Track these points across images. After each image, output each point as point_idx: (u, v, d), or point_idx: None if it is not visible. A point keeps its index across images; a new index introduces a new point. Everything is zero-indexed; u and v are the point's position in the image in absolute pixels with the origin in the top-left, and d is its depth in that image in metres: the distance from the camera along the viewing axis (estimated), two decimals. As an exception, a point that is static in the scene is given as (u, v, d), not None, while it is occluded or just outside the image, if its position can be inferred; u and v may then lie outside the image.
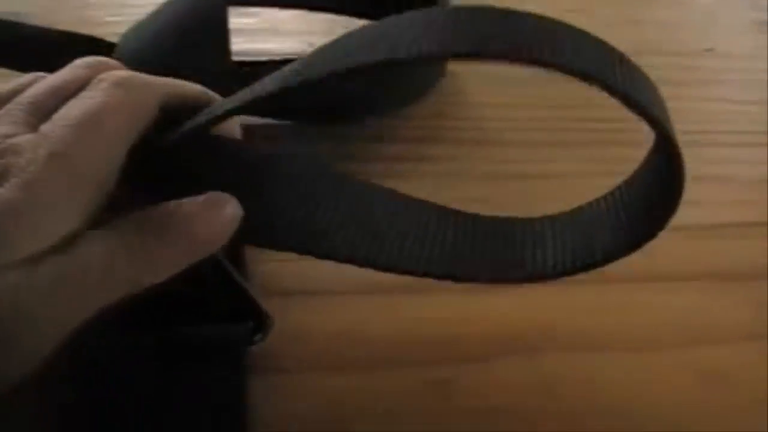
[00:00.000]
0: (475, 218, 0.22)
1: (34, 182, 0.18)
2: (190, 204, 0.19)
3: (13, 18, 0.30)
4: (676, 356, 0.21)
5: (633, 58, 0.26)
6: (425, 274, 0.20)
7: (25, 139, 0.19)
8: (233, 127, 0.22)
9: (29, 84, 0.22)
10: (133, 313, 0.19)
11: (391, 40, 0.17)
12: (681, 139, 0.17)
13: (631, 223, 0.20)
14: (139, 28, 0.31)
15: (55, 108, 0.20)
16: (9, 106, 0.21)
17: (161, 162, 0.21)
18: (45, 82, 0.22)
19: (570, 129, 0.31)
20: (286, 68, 0.19)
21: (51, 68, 0.23)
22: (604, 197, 0.21)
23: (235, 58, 0.29)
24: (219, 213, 0.20)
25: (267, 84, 0.19)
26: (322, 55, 0.18)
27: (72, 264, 0.17)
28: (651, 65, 0.34)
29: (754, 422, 0.20)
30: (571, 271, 0.20)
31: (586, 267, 0.20)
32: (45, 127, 0.19)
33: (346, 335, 0.22)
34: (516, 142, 0.30)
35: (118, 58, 0.24)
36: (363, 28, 0.18)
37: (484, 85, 0.33)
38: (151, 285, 0.18)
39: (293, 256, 0.19)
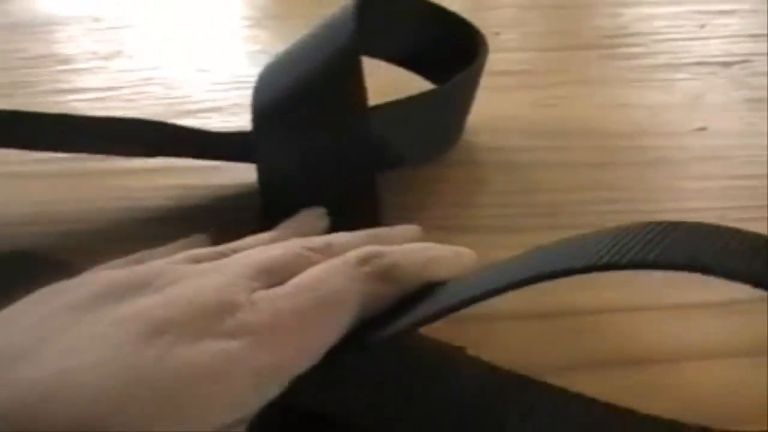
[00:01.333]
0: None
1: (265, 345, 0.17)
2: None
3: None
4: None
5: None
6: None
7: (262, 297, 0.18)
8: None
9: (252, 243, 0.21)
10: None
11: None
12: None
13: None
14: (274, 75, 0.31)
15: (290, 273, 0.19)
16: (245, 262, 0.20)
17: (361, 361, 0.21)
18: (281, 246, 0.21)
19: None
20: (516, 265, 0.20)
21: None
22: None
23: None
24: None
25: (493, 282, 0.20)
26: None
27: None
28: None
29: None
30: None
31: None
32: (280, 291, 0.19)
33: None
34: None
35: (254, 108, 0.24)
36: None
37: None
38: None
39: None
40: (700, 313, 0.27)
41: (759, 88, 0.42)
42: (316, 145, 0.29)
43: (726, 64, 0.44)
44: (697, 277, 0.18)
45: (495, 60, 0.45)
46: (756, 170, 0.33)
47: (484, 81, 0.44)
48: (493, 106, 0.41)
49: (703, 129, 0.38)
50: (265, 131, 0.30)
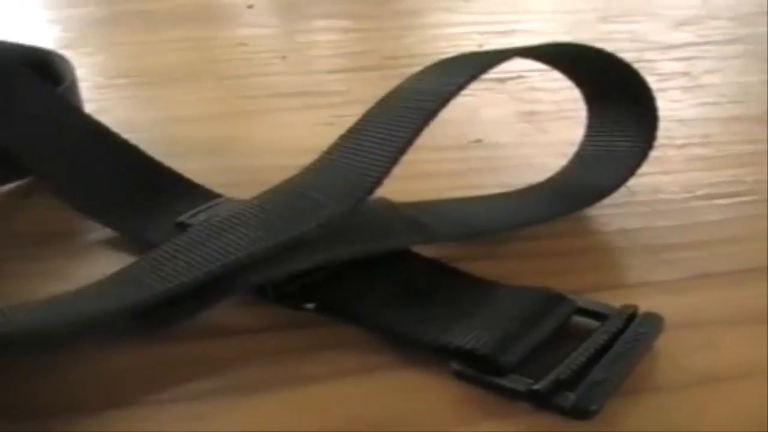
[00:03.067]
0: None
1: None
2: None
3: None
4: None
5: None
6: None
7: None
8: None
9: None
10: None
11: None
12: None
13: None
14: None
15: None
16: None
17: None
18: None
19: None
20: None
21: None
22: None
23: None
24: None
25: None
26: None
27: None
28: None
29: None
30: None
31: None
32: None
33: None
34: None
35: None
36: None
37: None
38: None
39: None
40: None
41: (533, 102, 0.44)
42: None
43: (501, 80, 0.45)
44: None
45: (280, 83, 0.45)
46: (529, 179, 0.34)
47: (268, 103, 0.43)
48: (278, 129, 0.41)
49: (478, 141, 0.39)
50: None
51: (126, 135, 0.34)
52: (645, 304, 0.25)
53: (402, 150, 0.26)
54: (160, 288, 0.24)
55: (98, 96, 0.42)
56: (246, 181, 0.33)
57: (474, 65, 0.28)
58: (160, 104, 0.45)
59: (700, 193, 0.33)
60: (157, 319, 0.24)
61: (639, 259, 0.29)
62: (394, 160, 0.26)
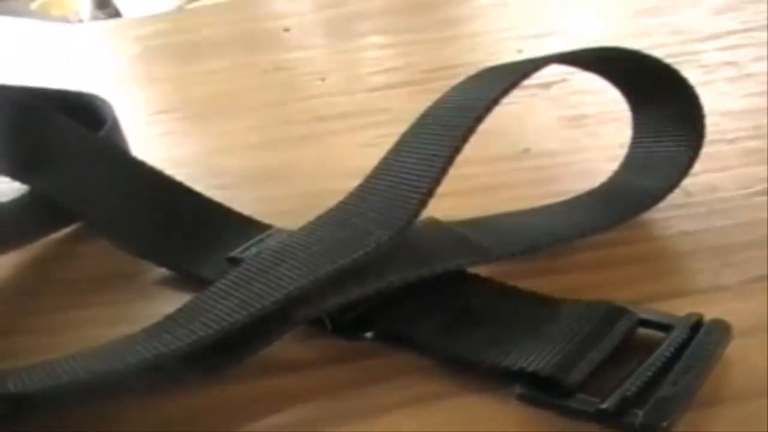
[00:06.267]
0: None
1: None
2: None
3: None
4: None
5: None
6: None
7: None
8: None
9: None
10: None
11: None
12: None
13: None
14: None
15: None
16: None
17: None
18: None
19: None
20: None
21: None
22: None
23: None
24: None
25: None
26: None
27: None
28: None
29: None
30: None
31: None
32: None
33: None
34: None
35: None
36: None
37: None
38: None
39: None
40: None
41: (579, 105, 0.43)
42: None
43: (545, 86, 0.45)
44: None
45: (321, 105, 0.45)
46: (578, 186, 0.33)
47: (311, 128, 0.43)
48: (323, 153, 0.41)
49: (527, 150, 0.38)
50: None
51: (171, 171, 0.34)
52: (711, 310, 0.24)
53: (444, 169, 0.26)
54: (214, 328, 0.24)
55: (140, 134, 0.42)
56: (294, 209, 0.33)
57: (507, 77, 0.28)
58: (202, 137, 0.45)
59: (758, 188, 0.32)
60: (213, 364, 0.24)
61: (702, 263, 0.28)
62: (436, 180, 0.26)
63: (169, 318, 0.25)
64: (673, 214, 0.31)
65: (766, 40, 0.48)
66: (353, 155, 0.40)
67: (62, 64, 0.61)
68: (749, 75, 0.44)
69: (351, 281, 0.25)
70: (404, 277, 0.26)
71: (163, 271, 0.31)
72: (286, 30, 0.63)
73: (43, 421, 0.23)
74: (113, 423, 0.24)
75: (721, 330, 0.23)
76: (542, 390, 0.22)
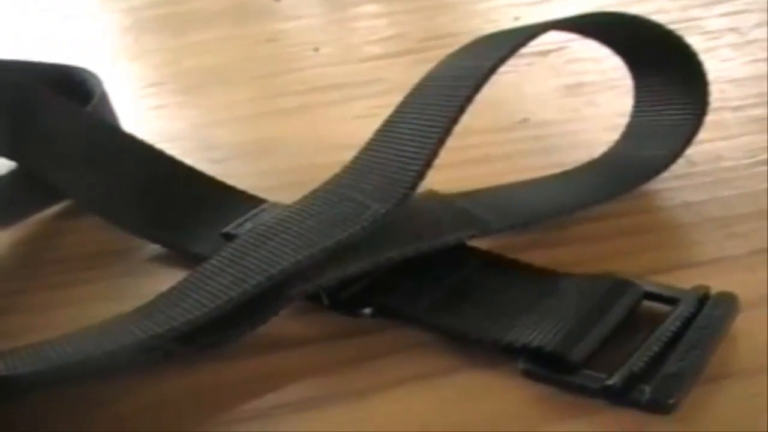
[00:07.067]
0: None
1: None
2: None
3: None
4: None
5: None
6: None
7: None
8: None
9: None
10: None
11: None
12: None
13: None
14: None
15: None
16: None
17: None
18: None
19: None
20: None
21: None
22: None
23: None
24: None
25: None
26: None
27: None
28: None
29: None
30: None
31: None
32: None
33: None
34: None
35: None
36: None
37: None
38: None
39: None
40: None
41: (578, 73, 0.42)
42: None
43: (543, 53, 0.44)
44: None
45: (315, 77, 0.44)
46: (572, 157, 0.32)
47: (304, 99, 0.43)
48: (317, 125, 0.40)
49: (525, 120, 0.37)
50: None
51: (163, 145, 0.33)
52: (717, 282, 0.24)
53: (441, 140, 0.25)
54: (209, 306, 0.23)
55: (132, 108, 0.42)
56: (289, 182, 0.32)
57: (504, 44, 0.27)
58: (194, 110, 0.44)
59: (762, 157, 0.32)
60: (209, 342, 0.24)
61: (707, 234, 0.28)
62: (433, 152, 0.25)
63: (163, 296, 0.24)
64: (677, 185, 0.30)
65: (768, 5, 0.47)
66: (348, 127, 0.39)
67: (50, 37, 0.60)
68: (752, 41, 0.43)
69: (348, 256, 0.25)
70: (403, 252, 0.25)
71: (156, 248, 0.30)
72: (278, 0, 0.62)
73: (35, 403, 0.23)
74: (107, 406, 0.23)
75: (729, 303, 0.23)
76: (547, 366, 0.22)
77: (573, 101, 0.39)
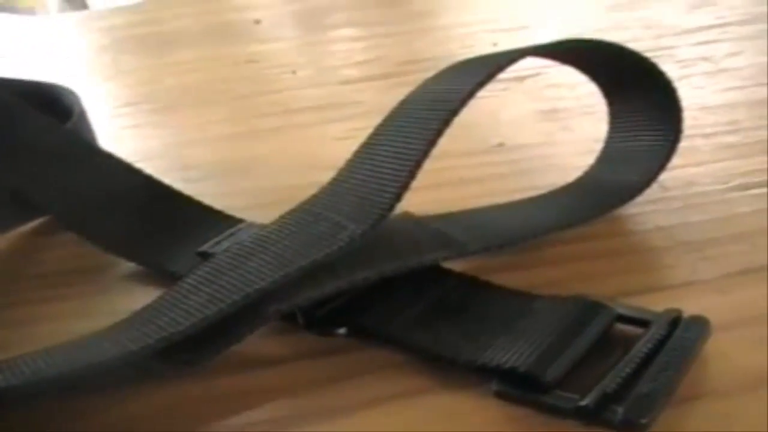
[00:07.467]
0: None
1: None
2: None
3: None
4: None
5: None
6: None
7: None
8: None
9: None
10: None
11: None
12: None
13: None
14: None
15: None
16: None
17: None
18: None
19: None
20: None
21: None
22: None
23: None
24: None
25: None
26: None
27: None
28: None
29: None
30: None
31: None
32: None
33: None
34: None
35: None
36: None
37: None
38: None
39: None
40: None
41: (554, 99, 0.43)
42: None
43: (519, 79, 0.44)
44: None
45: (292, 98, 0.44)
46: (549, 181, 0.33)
47: (282, 120, 0.43)
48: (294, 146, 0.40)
49: (500, 145, 0.38)
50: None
51: (140, 164, 0.33)
52: (689, 305, 0.24)
53: (418, 162, 0.25)
54: (184, 324, 0.23)
55: (108, 126, 0.42)
56: (266, 202, 0.33)
57: (482, 70, 0.27)
58: (172, 129, 0.44)
59: (734, 183, 0.32)
60: (184, 359, 0.24)
61: (678, 258, 0.28)
62: (410, 174, 0.25)
63: (138, 314, 0.24)
64: (650, 209, 0.31)
65: (741, 36, 0.48)
66: (325, 148, 0.39)
67: (30, 55, 0.60)
68: (724, 70, 0.44)
69: (324, 276, 0.25)
70: (379, 272, 0.25)
71: (132, 265, 0.30)
72: (257, 22, 0.63)
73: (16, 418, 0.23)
74: (78, 421, 0.23)
75: (700, 326, 0.23)
76: (520, 387, 0.22)
77: (548, 126, 0.40)
